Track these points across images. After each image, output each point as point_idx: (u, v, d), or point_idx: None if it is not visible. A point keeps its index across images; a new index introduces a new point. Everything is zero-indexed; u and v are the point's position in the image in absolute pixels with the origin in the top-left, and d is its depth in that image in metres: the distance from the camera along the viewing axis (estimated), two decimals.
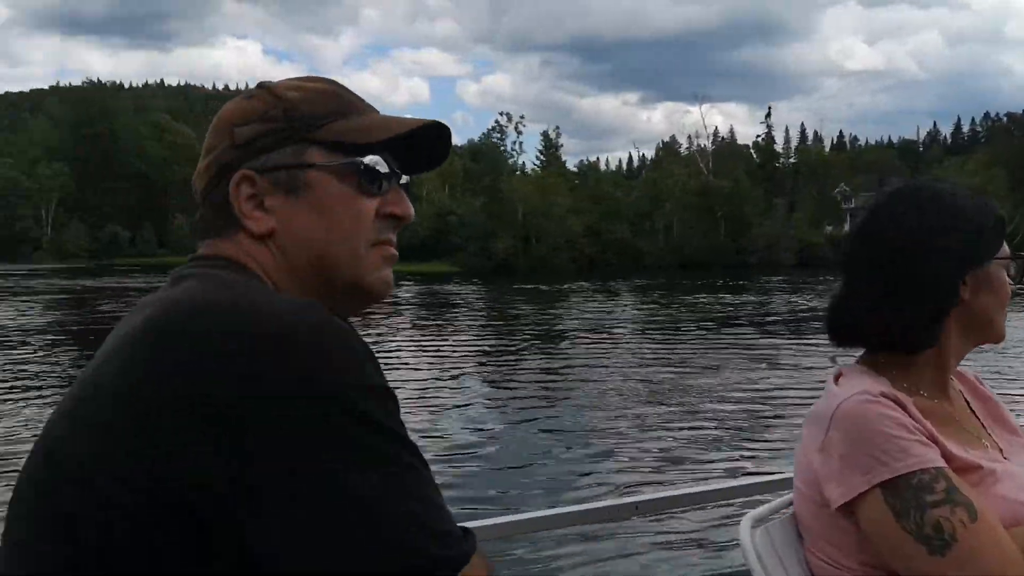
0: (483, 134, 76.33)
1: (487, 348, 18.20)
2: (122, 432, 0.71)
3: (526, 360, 16.16)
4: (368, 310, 0.99)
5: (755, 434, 9.57)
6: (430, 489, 0.76)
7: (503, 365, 15.38)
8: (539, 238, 59.11)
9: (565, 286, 41.43)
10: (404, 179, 0.95)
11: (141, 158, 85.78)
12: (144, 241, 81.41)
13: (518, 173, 65.81)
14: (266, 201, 0.88)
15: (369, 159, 0.90)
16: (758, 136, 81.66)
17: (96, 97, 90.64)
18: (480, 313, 27.98)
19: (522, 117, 75.69)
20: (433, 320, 25.72)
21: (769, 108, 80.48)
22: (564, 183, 64.86)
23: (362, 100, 0.95)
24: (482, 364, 15.62)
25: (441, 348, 17.83)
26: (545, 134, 73.46)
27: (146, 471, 0.69)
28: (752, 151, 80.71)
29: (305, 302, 0.80)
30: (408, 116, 0.95)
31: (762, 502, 1.58)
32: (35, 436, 0.84)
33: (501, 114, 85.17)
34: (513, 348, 17.87)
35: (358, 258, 0.90)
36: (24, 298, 32.84)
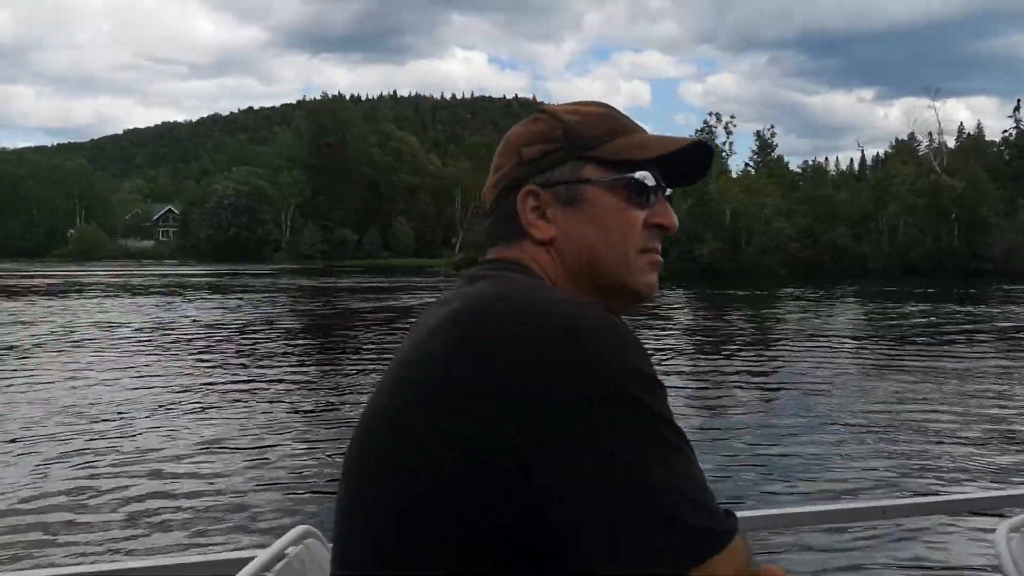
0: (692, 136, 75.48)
1: (693, 350, 18.35)
2: (437, 410, 0.84)
3: (736, 363, 16.09)
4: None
5: (1005, 448, 9.22)
6: (697, 471, 0.85)
7: (712, 370, 15.21)
8: (748, 241, 58.36)
9: (775, 291, 40.67)
10: (668, 192, 1.07)
11: (369, 165, 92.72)
12: (370, 243, 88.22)
13: (729, 175, 65.30)
14: (548, 212, 1.02)
15: (639, 174, 1.02)
16: (1005, 132, 75.12)
17: (331, 109, 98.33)
18: (686, 317, 27.88)
19: (732, 117, 74.52)
20: (637, 324, 26.71)
21: (1019, 101, 73.31)
22: (776, 184, 63.47)
23: (632, 120, 1.08)
24: (693, 367, 15.63)
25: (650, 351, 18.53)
26: (759, 133, 72.28)
27: (461, 446, 0.82)
28: (1002, 148, 74.32)
29: (586, 300, 0.93)
30: (669, 135, 1.07)
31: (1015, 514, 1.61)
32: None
33: (710, 114, 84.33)
34: (725, 352, 17.81)
35: (628, 263, 1.03)
36: (272, 293, 37.08)
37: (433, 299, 1.03)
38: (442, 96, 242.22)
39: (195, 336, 20.11)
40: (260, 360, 16.12)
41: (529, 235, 1.02)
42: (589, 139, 1.02)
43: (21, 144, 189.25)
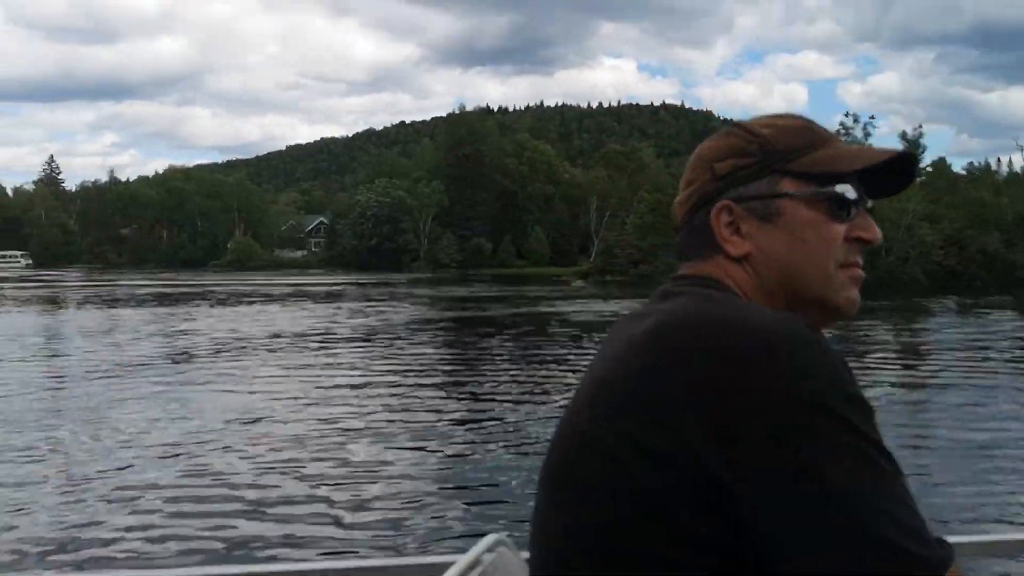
0: None
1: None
2: (637, 428, 0.85)
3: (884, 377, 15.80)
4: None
5: None
6: (907, 493, 0.83)
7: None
8: (887, 249, 56.72)
9: (918, 301, 39.59)
10: (870, 204, 1.07)
11: (505, 174, 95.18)
12: (505, 252, 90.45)
13: None
14: (742, 227, 1.02)
15: (840, 187, 1.01)
16: None
17: (467, 120, 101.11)
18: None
19: (871, 118, 71.72)
20: None
21: None
22: (922, 187, 61.10)
23: (829, 132, 1.08)
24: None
25: None
26: (903, 134, 69.58)
27: (662, 463, 0.83)
28: None
29: (786, 315, 0.93)
30: (874, 146, 1.11)
31: None
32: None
33: (846, 115, 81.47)
34: (871, 365, 17.26)
35: (828, 278, 1.02)
36: (411, 301, 39.73)
37: (626, 312, 1.11)
38: (588, 105, 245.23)
39: (354, 343, 21.90)
40: (419, 367, 17.26)
41: (723, 250, 1.04)
42: (786, 152, 1.04)
43: (195, 162, 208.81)
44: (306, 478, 8.96)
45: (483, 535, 1.49)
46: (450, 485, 8.71)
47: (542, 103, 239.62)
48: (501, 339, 23.45)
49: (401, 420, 12.01)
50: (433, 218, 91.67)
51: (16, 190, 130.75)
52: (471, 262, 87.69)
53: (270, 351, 20.43)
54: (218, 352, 20.25)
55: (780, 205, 1.02)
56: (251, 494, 8.31)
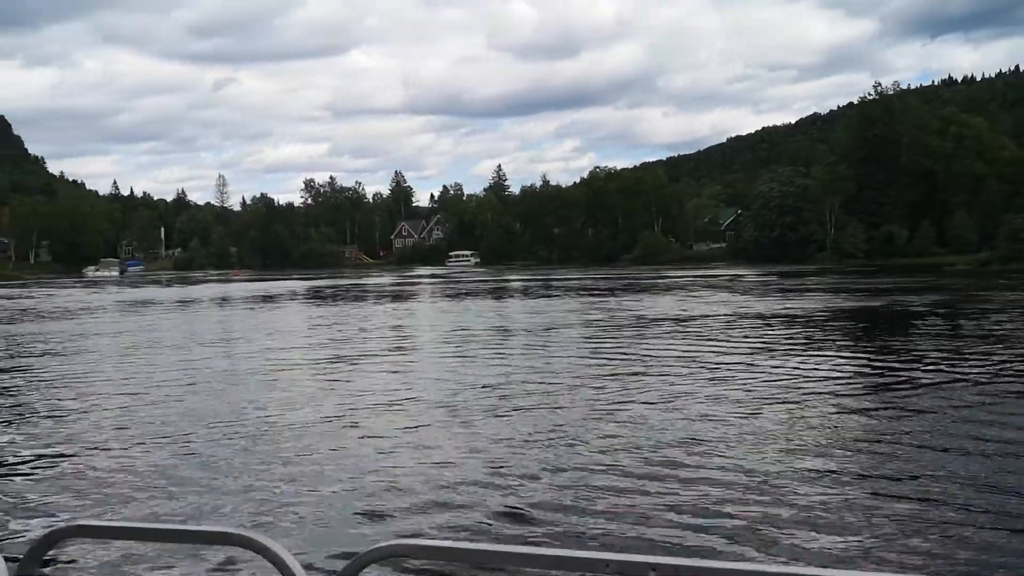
0: None
1: None
2: None
3: None
4: None
5: None
6: None
7: None
8: None
9: None
10: None
11: (925, 154, 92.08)
12: (922, 239, 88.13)
13: None
14: None
15: None
16: None
17: (881, 99, 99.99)
18: None
19: None
20: None
21: None
22: None
23: None
24: None
25: None
26: None
27: None
28: None
29: None
30: None
31: None
32: None
33: None
34: None
35: None
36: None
37: None
38: None
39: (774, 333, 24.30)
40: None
41: None
42: None
43: (641, 160, 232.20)
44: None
45: None
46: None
47: (1017, 68, 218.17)
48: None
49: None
50: (840, 205, 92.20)
51: (469, 197, 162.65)
52: (880, 251, 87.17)
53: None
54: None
55: None
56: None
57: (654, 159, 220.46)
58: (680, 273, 71.80)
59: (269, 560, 1.76)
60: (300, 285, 71.96)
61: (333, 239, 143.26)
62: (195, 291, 67.80)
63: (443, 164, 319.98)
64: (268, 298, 53.91)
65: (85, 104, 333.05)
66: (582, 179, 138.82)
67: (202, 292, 65.71)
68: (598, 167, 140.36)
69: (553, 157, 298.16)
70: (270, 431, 12.49)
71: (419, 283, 72.86)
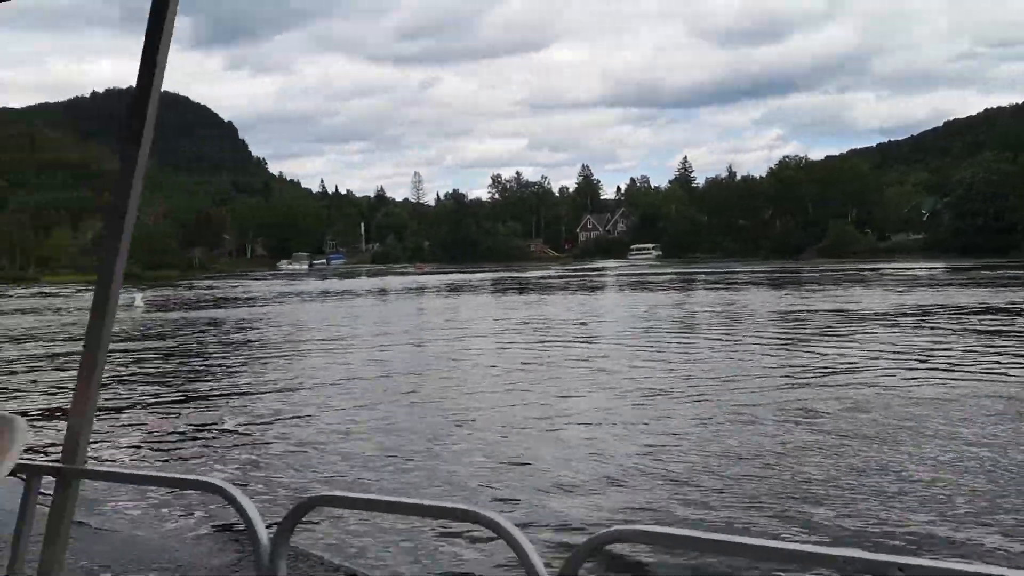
0: None
1: None
2: None
3: None
4: None
5: None
6: None
7: None
8: None
9: None
10: None
11: None
12: None
13: None
14: None
15: None
16: None
17: None
18: None
19: None
20: None
21: None
22: None
23: None
24: None
25: None
26: None
27: None
28: None
29: None
30: None
31: None
32: None
33: None
34: None
35: None
36: None
37: None
38: None
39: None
40: None
41: None
42: None
43: (848, 148, 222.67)
44: None
45: None
46: None
47: None
48: None
49: None
50: None
51: (655, 189, 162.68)
52: None
53: None
54: None
55: None
56: None
57: (863, 146, 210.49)
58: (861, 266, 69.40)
59: (502, 537, 1.82)
60: (486, 277, 75.66)
61: (519, 233, 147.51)
62: (391, 281, 72.54)
63: (638, 156, 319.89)
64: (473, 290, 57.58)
65: (302, 108, 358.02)
66: (771, 169, 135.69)
67: (400, 282, 70.06)
68: (787, 156, 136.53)
69: (754, 147, 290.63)
70: (541, 417, 12.91)
71: (603, 276, 74.38)
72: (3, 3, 2.54)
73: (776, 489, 8.66)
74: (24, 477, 2.58)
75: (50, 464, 2.58)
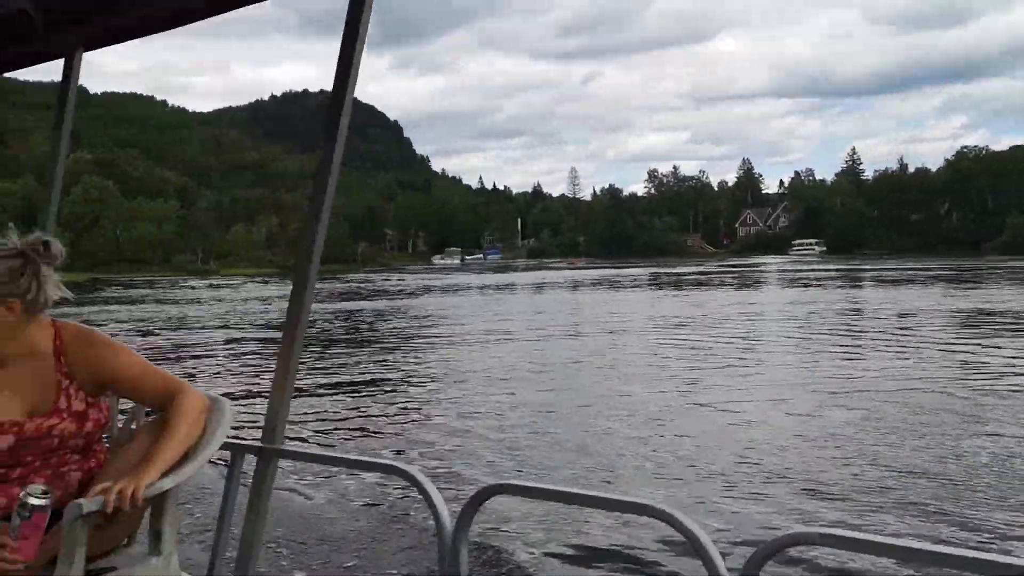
0: None
1: None
2: None
3: None
4: None
5: None
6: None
7: None
8: None
9: None
10: None
11: None
12: None
13: None
14: None
15: None
16: None
17: None
18: None
19: None
20: None
21: None
22: None
23: None
24: None
25: None
26: None
27: None
28: None
29: None
30: None
31: None
32: None
33: None
34: None
35: None
36: None
37: None
38: None
39: None
40: None
41: None
42: None
43: None
44: None
45: None
46: None
47: None
48: None
49: None
50: None
51: (820, 183, 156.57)
52: None
53: None
54: None
55: None
56: None
57: None
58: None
59: (683, 534, 1.82)
60: (638, 273, 74.64)
61: (675, 228, 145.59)
62: (549, 276, 73.07)
63: (805, 148, 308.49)
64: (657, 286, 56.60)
65: (464, 105, 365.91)
66: (947, 160, 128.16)
67: (560, 277, 70.37)
68: (965, 147, 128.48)
69: (935, 136, 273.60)
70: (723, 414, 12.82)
71: (763, 271, 72.26)
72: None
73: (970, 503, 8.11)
74: (229, 456, 2.76)
75: (252, 443, 2.73)
